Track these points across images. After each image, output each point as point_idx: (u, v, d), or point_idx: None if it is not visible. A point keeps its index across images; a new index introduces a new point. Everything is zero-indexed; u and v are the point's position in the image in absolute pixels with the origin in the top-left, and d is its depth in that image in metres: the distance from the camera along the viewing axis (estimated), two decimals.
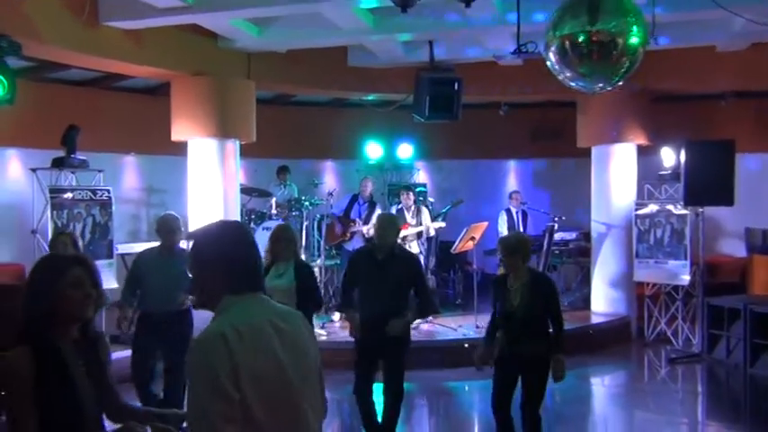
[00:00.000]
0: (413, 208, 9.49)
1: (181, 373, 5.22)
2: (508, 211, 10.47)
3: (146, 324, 5.68)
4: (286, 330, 2.20)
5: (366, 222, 9.57)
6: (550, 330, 4.89)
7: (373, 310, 5.18)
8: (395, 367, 5.25)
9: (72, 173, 7.89)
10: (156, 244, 5.91)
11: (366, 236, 9.59)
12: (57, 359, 2.40)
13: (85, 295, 2.48)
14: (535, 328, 4.83)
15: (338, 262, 9.84)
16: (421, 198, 10.63)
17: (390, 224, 5.41)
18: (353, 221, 9.60)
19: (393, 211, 9.61)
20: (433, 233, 9.62)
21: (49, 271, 2.51)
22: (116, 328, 6.11)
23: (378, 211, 9.68)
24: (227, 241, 2.24)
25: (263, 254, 7.84)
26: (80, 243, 5.99)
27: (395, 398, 5.26)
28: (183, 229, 5.92)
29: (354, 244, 9.45)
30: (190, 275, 2.28)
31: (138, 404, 2.67)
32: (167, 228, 5.68)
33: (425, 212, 9.57)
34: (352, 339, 5.51)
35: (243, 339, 2.06)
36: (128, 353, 5.80)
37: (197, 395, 2.03)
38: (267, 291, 5.52)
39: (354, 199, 9.80)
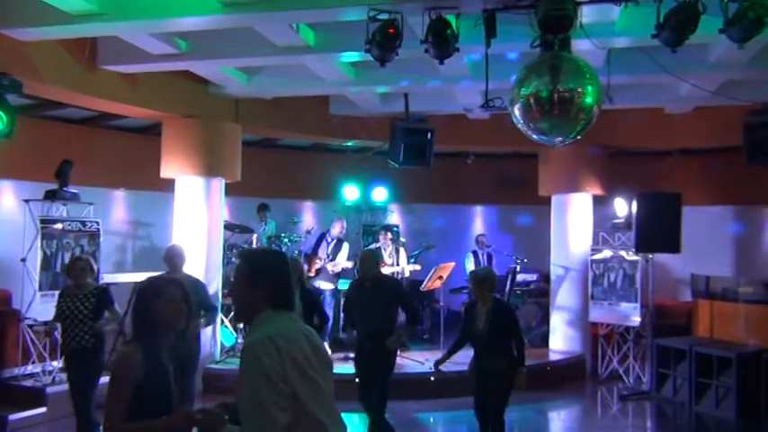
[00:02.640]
0: (390, 248, 9.47)
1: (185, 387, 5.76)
2: (474, 253, 10.51)
3: None
4: (315, 343, 2.40)
5: (332, 260, 9.50)
6: (514, 351, 5.39)
7: (366, 329, 5.86)
8: (381, 375, 5.86)
9: (63, 205, 7.77)
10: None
11: (332, 272, 9.51)
12: (156, 356, 2.85)
13: (177, 310, 2.91)
14: (496, 347, 5.35)
15: None
16: (396, 238, 10.61)
17: (369, 258, 6.06)
18: (319, 259, 9.49)
19: None
20: (407, 275, 9.59)
21: (152, 289, 2.95)
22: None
23: (344, 250, 9.67)
24: (276, 265, 2.48)
25: None
26: (95, 267, 6.12)
27: (379, 403, 5.82)
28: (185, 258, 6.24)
29: (319, 280, 9.35)
30: (234, 290, 2.51)
31: None
32: (173, 254, 6.10)
33: (403, 254, 9.56)
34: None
35: (289, 345, 2.25)
36: None
37: (251, 389, 2.17)
38: None
39: (323, 237, 9.70)
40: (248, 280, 2.42)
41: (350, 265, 9.56)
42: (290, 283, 2.49)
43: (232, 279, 3.04)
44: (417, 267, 9.78)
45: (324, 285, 9.44)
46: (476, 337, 5.48)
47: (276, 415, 2.14)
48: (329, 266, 9.44)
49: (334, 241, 9.69)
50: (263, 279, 2.41)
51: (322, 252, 9.57)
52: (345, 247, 9.76)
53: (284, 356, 2.21)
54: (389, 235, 9.59)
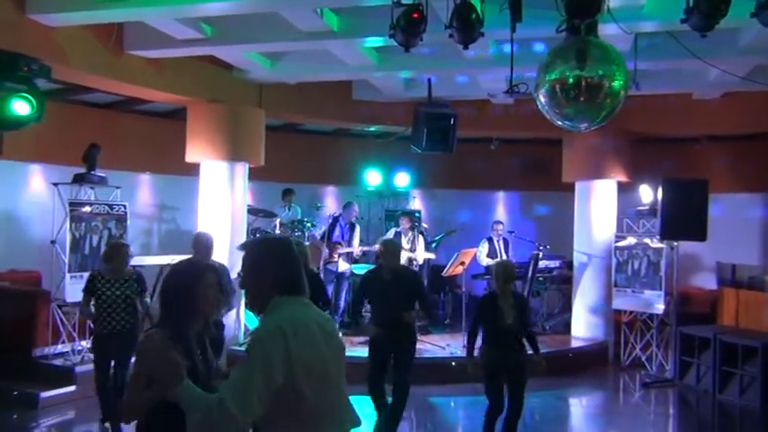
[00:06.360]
0: (410, 234, 9.48)
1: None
2: (489, 240, 10.45)
3: None
4: (327, 330, 2.42)
5: (349, 244, 9.57)
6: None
7: (385, 320, 5.76)
8: (405, 364, 5.83)
9: (91, 188, 7.89)
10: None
11: (355, 255, 9.59)
12: (185, 345, 2.69)
13: (216, 297, 2.81)
14: (520, 340, 5.49)
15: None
16: (416, 224, 10.61)
17: (392, 249, 6.01)
18: (340, 244, 9.55)
19: (391, 234, 9.58)
20: (421, 261, 9.61)
21: (191, 274, 2.81)
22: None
23: (357, 233, 9.75)
24: (278, 252, 2.47)
25: None
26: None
27: (403, 390, 5.82)
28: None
29: (338, 265, 9.43)
30: (240, 283, 2.47)
31: None
32: (206, 244, 6.30)
33: (421, 241, 9.56)
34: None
35: (297, 334, 2.26)
36: None
37: (247, 373, 2.20)
38: None
39: (335, 221, 9.75)
40: (253, 270, 2.46)
41: (370, 248, 9.62)
42: (297, 267, 2.46)
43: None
44: (431, 256, 9.78)
45: (342, 267, 9.60)
46: (506, 333, 5.42)
47: (253, 406, 2.16)
48: (355, 250, 9.54)
49: (348, 225, 9.74)
50: (268, 267, 2.42)
51: (337, 237, 9.63)
52: (358, 230, 9.92)
53: (291, 344, 2.23)
54: (410, 221, 9.60)
